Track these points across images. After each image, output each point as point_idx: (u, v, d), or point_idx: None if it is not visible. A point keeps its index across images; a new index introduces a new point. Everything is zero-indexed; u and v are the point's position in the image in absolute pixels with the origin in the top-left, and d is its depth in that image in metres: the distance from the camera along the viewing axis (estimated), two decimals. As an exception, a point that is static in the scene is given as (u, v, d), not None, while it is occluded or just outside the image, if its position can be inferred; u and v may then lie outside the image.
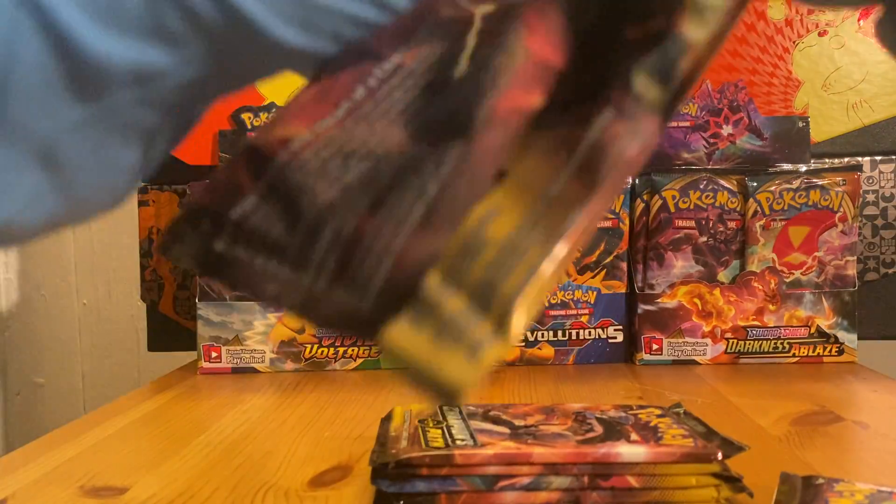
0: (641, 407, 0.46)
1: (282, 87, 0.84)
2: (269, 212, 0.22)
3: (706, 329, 0.77)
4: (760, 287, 0.76)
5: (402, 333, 0.21)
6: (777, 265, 0.76)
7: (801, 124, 0.81)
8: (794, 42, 0.85)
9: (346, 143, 0.22)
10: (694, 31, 0.23)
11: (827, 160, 0.83)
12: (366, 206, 0.22)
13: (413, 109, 0.23)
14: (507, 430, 0.41)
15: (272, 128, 0.24)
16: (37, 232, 0.24)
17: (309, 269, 0.22)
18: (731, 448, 0.38)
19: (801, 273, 0.76)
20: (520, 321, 0.21)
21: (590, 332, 0.78)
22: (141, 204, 0.85)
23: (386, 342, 0.21)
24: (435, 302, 0.21)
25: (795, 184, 0.76)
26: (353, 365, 0.78)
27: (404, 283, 0.21)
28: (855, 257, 0.77)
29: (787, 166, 0.79)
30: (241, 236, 0.22)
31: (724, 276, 0.77)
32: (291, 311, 0.22)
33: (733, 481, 0.38)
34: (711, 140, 0.81)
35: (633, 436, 0.40)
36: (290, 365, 0.78)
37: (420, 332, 0.21)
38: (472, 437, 0.39)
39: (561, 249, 0.21)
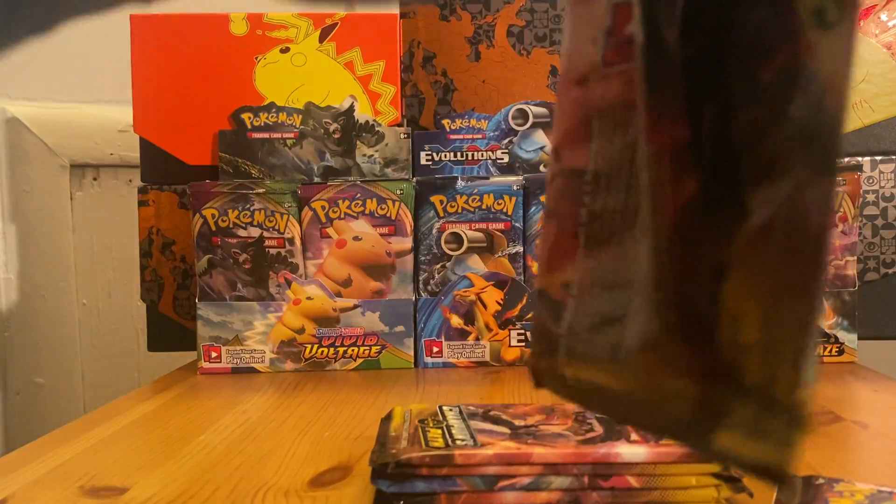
0: (641, 407, 0.46)
1: (282, 87, 0.84)
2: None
3: (706, 329, 0.77)
4: (760, 287, 0.76)
5: (725, 439, 0.23)
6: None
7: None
8: (794, 42, 0.84)
9: (605, 278, 0.25)
10: (827, 61, 0.21)
11: (827, 160, 0.83)
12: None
13: (629, 213, 0.24)
14: (507, 430, 0.41)
15: (549, 273, 0.28)
16: None
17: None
18: (732, 448, 0.38)
19: (802, 273, 0.76)
20: (805, 406, 0.21)
21: (590, 332, 0.78)
22: (141, 204, 0.85)
23: (716, 448, 0.23)
24: (734, 411, 0.22)
25: (795, 184, 0.76)
26: (353, 365, 0.78)
27: (708, 399, 0.23)
28: (855, 257, 0.76)
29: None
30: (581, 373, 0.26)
31: (724, 276, 0.77)
32: (637, 426, 0.26)
33: (733, 481, 0.38)
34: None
35: (633, 435, 0.40)
36: (289, 365, 0.78)
37: (737, 433, 0.22)
38: (472, 437, 0.39)
39: (815, 326, 0.21)
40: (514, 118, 0.82)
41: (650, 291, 0.24)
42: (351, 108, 0.83)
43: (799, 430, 0.21)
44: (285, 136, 0.82)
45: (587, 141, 0.25)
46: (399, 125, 0.84)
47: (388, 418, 0.45)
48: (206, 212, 0.77)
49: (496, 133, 0.82)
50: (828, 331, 0.76)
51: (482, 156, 0.82)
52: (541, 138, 0.82)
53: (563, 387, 0.28)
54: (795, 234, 0.21)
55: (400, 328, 0.78)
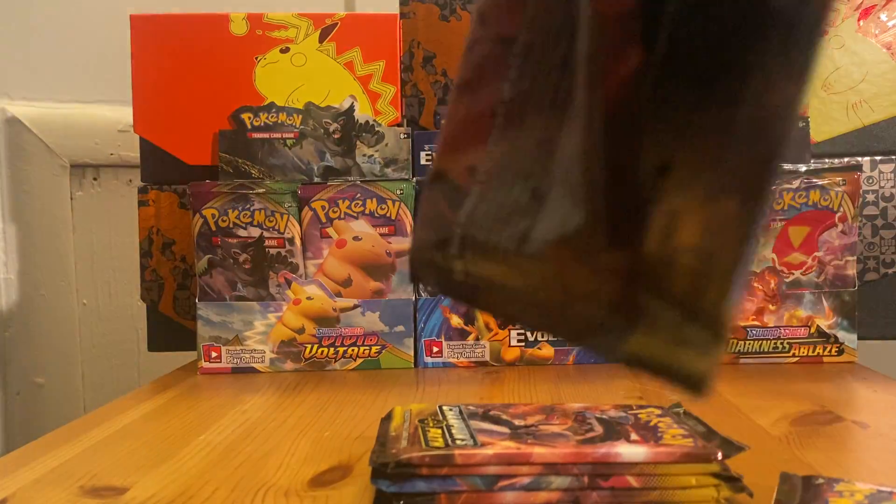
0: (641, 407, 0.46)
1: (282, 87, 0.84)
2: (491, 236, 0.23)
3: (706, 329, 0.77)
4: (760, 287, 0.76)
5: (639, 344, 0.21)
6: (777, 265, 0.76)
7: (800, 124, 0.81)
8: (794, 42, 0.84)
9: (520, 164, 0.22)
10: None
11: (827, 160, 0.83)
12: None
13: (561, 92, 0.21)
14: (507, 430, 0.41)
15: (452, 154, 0.23)
16: None
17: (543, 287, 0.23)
18: (731, 448, 0.38)
19: (801, 273, 0.76)
20: (730, 320, 0.20)
21: (590, 332, 0.78)
22: (141, 204, 0.85)
23: (627, 352, 0.21)
24: (654, 315, 0.21)
25: (795, 184, 0.76)
26: (353, 365, 0.78)
27: (626, 301, 0.21)
28: (855, 257, 0.76)
29: (786, 166, 0.79)
30: (471, 263, 0.24)
31: (724, 276, 0.77)
32: (538, 329, 0.24)
33: (733, 481, 0.38)
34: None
35: (633, 436, 0.40)
36: (289, 365, 0.78)
37: (654, 339, 0.21)
38: (472, 436, 0.39)
39: (757, 239, 0.20)
40: (514, 118, 0.82)
41: (578, 179, 0.21)
42: (351, 109, 0.83)
43: (720, 343, 0.20)
44: (285, 136, 0.82)
45: (521, 4, 0.22)
46: (399, 125, 0.84)
47: (388, 418, 0.45)
48: (206, 212, 0.77)
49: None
50: (828, 331, 0.76)
51: (482, 156, 0.82)
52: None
53: (446, 282, 0.25)
54: (756, 137, 0.20)
55: (400, 328, 0.78)
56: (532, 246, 0.23)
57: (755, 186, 0.20)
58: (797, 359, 0.77)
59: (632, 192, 0.21)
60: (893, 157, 0.83)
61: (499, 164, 0.23)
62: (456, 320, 0.78)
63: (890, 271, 0.83)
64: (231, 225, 0.77)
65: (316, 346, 0.78)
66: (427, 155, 0.82)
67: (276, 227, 0.77)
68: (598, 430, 0.41)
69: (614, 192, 0.21)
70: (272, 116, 0.82)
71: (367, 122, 0.82)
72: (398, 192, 0.77)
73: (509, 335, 0.78)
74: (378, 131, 0.82)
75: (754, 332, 0.76)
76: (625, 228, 0.21)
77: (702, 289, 0.20)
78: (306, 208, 0.77)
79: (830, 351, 0.76)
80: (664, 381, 0.21)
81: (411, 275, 0.26)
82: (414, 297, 0.78)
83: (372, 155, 0.82)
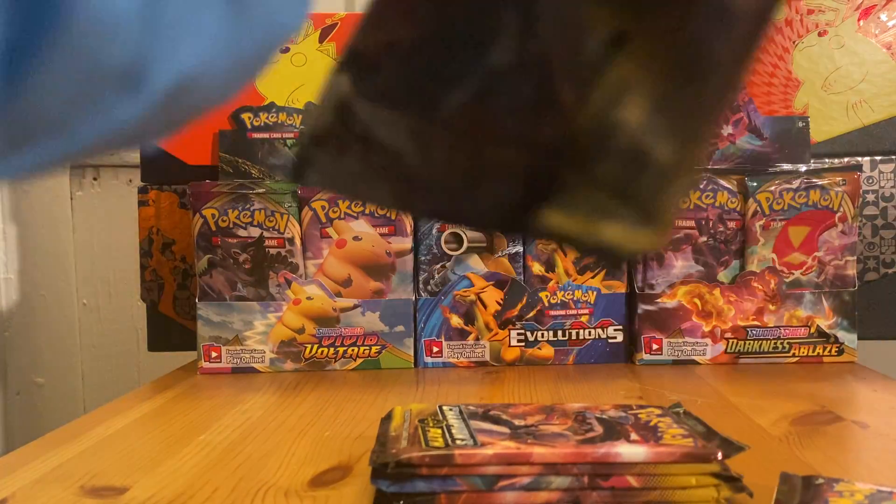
0: (641, 407, 0.46)
1: (282, 87, 0.84)
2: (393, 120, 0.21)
3: (706, 329, 0.77)
4: (760, 287, 0.76)
5: (555, 219, 0.19)
6: (777, 265, 0.76)
7: (800, 124, 0.81)
8: (793, 42, 0.85)
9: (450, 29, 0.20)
10: None
11: (827, 160, 0.83)
12: (471, 99, 0.19)
13: None
14: (507, 430, 0.41)
15: (371, 30, 0.21)
16: (215, 90, 0.20)
17: (448, 170, 0.21)
18: (731, 448, 0.38)
19: (801, 273, 0.76)
20: (671, 212, 0.19)
21: (590, 332, 0.78)
22: (141, 204, 0.85)
23: (539, 227, 0.20)
24: (577, 192, 0.19)
25: (795, 184, 0.76)
26: (353, 365, 0.78)
27: (539, 172, 0.19)
28: (855, 257, 0.76)
29: (786, 166, 0.79)
30: (370, 150, 0.21)
31: (724, 276, 0.77)
32: (434, 216, 0.21)
33: (733, 481, 0.38)
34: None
35: (633, 435, 0.40)
36: (289, 365, 0.78)
37: (573, 216, 0.19)
38: (472, 436, 0.39)
39: (706, 128, 0.18)
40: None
41: (517, 23, 0.19)
42: (351, 108, 0.83)
43: (650, 232, 0.19)
44: (285, 135, 0.82)
45: None
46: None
47: (388, 418, 0.45)
48: (206, 212, 0.77)
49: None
50: (828, 331, 0.76)
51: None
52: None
53: (334, 155, 0.22)
54: (730, 10, 0.18)
55: (400, 328, 0.78)
56: (442, 110, 0.21)
57: (722, 75, 0.19)
58: (797, 359, 0.77)
59: (576, 55, 0.19)
60: (893, 157, 0.83)
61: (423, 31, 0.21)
62: (456, 320, 0.78)
63: (890, 271, 0.83)
64: (231, 225, 0.77)
65: (316, 346, 0.78)
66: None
67: (276, 227, 0.77)
68: (598, 430, 0.41)
69: (563, 50, 0.19)
70: (272, 116, 0.82)
71: (367, 122, 0.82)
72: (398, 192, 0.77)
73: (509, 335, 0.78)
74: (378, 131, 0.82)
75: (754, 332, 0.76)
76: (562, 94, 0.19)
77: (639, 171, 0.19)
78: (306, 208, 0.77)
79: (830, 351, 0.76)
80: (581, 253, 0.20)
81: (300, 157, 0.23)
82: (414, 298, 0.78)
83: (372, 155, 0.81)
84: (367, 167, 0.22)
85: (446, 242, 0.78)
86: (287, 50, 0.84)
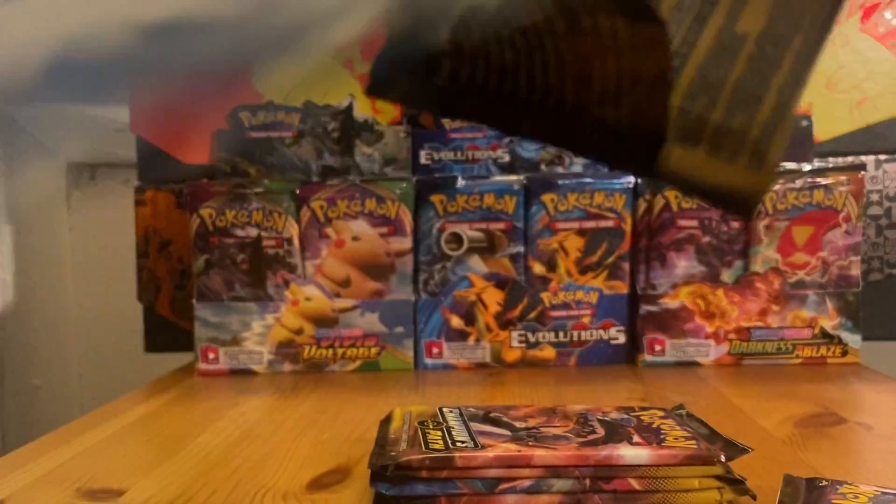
0: (644, 408, 0.46)
1: (279, 86, 0.83)
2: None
3: (709, 330, 0.76)
4: (764, 287, 0.76)
5: (678, 159, 0.19)
6: (780, 265, 0.76)
7: (804, 123, 0.81)
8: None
9: None
10: None
11: (830, 159, 0.83)
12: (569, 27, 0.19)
13: None
14: (507, 432, 0.41)
15: None
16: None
17: (543, 98, 0.20)
18: (735, 450, 0.38)
19: (805, 273, 0.76)
20: (779, 155, 0.19)
21: (592, 334, 0.78)
22: (138, 204, 0.84)
23: (664, 169, 0.19)
24: (694, 118, 0.18)
25: (799, 183, 0.75)
26: (352, 366, 0.77)
27: (651, 106, 0.19)
28: (859, 257, 0.76)
29: (790, 166, 0.78)
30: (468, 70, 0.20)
31: (727, 276, 0.77)
32: (552, 142, 0.21)
33: (736, 483, 0.38)
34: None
35: (636, 438, 0.39)
36: (288, 366, 0.77)
37: (693, 152, 0.19)
38: (472, 439, 0.39)
39: (826, 30, 0.18)
40: (514, 117, 0.81)
41: None
42: (350, 107, 0.82)
43: (777, 138, 0.18)
44: (283, 135, 0.81)
45: None
46: (398, 124, 0.84)
47: (387, 420, 0.44)
48: (203, 211, 0.77)
49: (496, 132, 0.82)
50: (831, 332, 0.76)
51: (482, 155, 0.82)
52: (541, 138, 0.82)
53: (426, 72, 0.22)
54: None
55: (399, 329, 0.77)
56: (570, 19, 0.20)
57: None
58: (801, 360, 0.76)
59: None
60: (897, 156, 0.83)
61: None
62: (456, 321, 0.78)
63: (894, 271, 0.83)
64: (229, 225, 0.77)
65: (315, 348, 0.77)
66: (427, 154, 0.82)
67: (275, 227, 0.77)
68: (600, 432, 0.40)
69: None
70: (270, 115, 0.82)
71: (366, 120, 0.81)
72: (397, 191, 0.77)
73: (510, 336, 0.78)
74: (377, 130, 0.81)
75: (758, 332, 0.76)
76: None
77: (766, 75, 0.18)
78: (305, 208, 0.77)
79: (834, 352, 0.76)
80: (708, 199, 0.19)
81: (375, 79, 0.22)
82: (414, 298, 0.78)
83: (371, 154, 0.81)
84: (479, 87, 0.21)
85: (446, 242, 0.78)
86: (286, 49, 0.83)
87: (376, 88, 0.23)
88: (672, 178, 0.20)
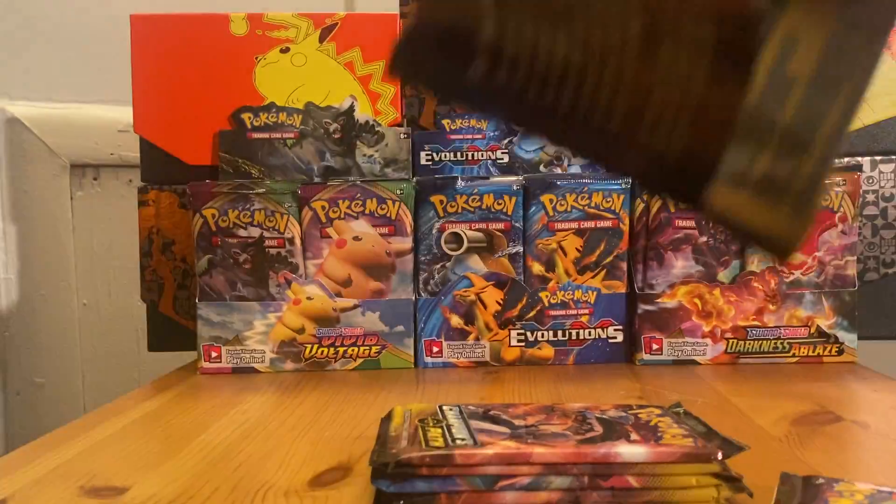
0: (641, 406, 0.46)
1: (282, 87, 0.84)
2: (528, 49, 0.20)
3: (706, 329, 0.77)
4: (760, 287, 0.76)
5: (722, 198, 0.19)
6: (777, 265, 0.76)
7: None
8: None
9: None
10: None
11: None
12: (638, 56, 0.19)
13: None
14: (507, 430, 0.41)
15: None
16: None
17: (594, 114, 0.20)
18: (731, 448, 0.38)
19: (801, 273, 0.76)
20: (835, 163, 0.19)
21: (590, 332, 0.78)
22: (141, 204, 0.85)
23: (713, 204, 0.19)
24: (742, 163, 0.19)
25: (795, 184, 0.76)
26: (353, 365, 0.78)
27: (705, 144, 0.19)
28: (855, 257, 0.76)
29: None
30: (503, 67, 0.20)
31: (724, 275, 0.77)
32: (590, 158, 0.21)
33: (733, 481, 0.38)
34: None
35: (633, 435, 0.40)
36: (290, 365, 0.78)
37: (738, 193, 0.19)
38: (472, 436, 0.39)
39: (875, 70, 0.18)
40: (514, 118, 0.82)
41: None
42: (351, 108, 0.83)
43: (820, 184, 0.18)
44: (285, 136, 0.82)
45: None
46: (399, 125, 0.84)
47: (388, 418, 0.45)
48: (206, 212, 0.77)
49: (496, 133, 0.82)
50: (828, 331, 0.76)
51: (482, 156, 0.82)
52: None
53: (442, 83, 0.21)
54: None
55: (400, 328, 0.78)
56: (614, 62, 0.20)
57: (884, 22, 0.18)
58: (797, 359, 0.77)
59: (742, 13, 0.19)
60: (893, 157, 0.83)
61: None
62: (456, 320, 0.78)
63: (890, 271, 0.83)
64: (231, 225, 0.77)
65: (316, 346, 0.77)
66: (427, 155, 0.82)
67: (276, 227, 0.77)
68: (598, 429, 0.41)
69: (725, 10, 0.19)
70: (272, 116, 0.82)
71: (367, 122, 0.82)
72: (398, 192, 0.77)
73: (509, 335, 0.78)
74: (378, 131, 0.82)
75: (754, 332, 0.76)
76: (733, 55, 0.19)
77: (816, 120, 0.18)
78: (306, 208, 0.77)
79: (830, 351, 0.76)
80: (747, 240, 0.20)
81: (400, 59, 0.21)
82: (414, 298, 0.78)
83: (372, 155, 0.82)
84: (514, 85, 0.21)
85: (446, 242, 0.78)
86: (287, 50, 0.84)
87: (399, 68, 0.22)
88: (715, 216, 0.20)
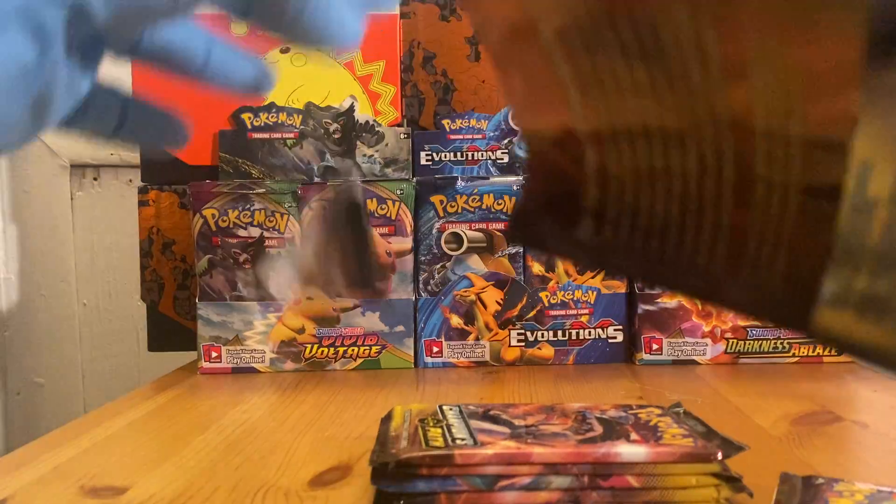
0: (641, 406, 0.46)
1: (282, 87, 0.84)
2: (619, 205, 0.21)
3: (706, 329, 0.77)
4: (760, 287, 0.76)
5: (827, 321, 0.20)
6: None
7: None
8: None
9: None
10: None
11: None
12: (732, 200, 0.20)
13: None
14: (507, 430, 0.41)
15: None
16: None
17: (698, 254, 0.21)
18: (731, 448, 0.38)
19: (801, 273, 0.76)
20: None
21: (590, 332, 0.78)
22: (141, 204, 0.85)
23: (818, 328, 0.20)
24: (843, 282, 0.19)
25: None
26: (353, 365, 0.78)
27: (805, 272, 0.20)
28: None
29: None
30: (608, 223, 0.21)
31: (724, 276, 0.77)
32: (695, 297, 0.22)
33: (733, 481, 0.38)
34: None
35: (633, 435, 0.40)
36: (290, 365, 0.78)
37: (842, 314, 0.19)
38: (472, 436, 0.39)
39: None
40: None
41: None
42: (351, 109, 0.83)
43: None
44: (285, 136, 0.82)
45: None
46: (399, 125, 0.84)
47: (388, 418, 0.45)
48: (206, 212, 0.77)
49: (496, 133, 0.82)
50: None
51: (482, 156, 0.82)
52: (541, 138, 0.82)
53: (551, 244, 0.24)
54: None
55: (400, 328, 0.78)
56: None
57: None
58: (797, 359, 0.77)
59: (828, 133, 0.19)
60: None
61: None
62: (456, 320, 0.78)
63: (890, 271, 0.83)
64: (231, 225, 0.77)
65: (316, 346, 0.78)
66: (427, 155, 0.82)
67: (277, 228, 0.77)
68: (598, 429, 0.41)
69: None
70: (272, 116, 0.82)
71: (367, 122, 0.82)
72: (398, 192, 0.77)
73: (509, 335, 0.78)
74: (378, 131, 0.82)
75: (754, 331, 0.76)
76: (819, 188, 0.19)
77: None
78: (306, 209, 0.77)
79: (830, 351, 0.76)
80: (859, 357, 0.20)
81: (517, 229, 0.23)
82: (414, 297, 0.78)
83: (372, 155, 0.82)
84: (621, 239, 0.22)
85: (446, 242, 0.78)
86: (287, 50, 0.84)
87: (515, 235, 0.24)
88: (822, 338, 0.21)
